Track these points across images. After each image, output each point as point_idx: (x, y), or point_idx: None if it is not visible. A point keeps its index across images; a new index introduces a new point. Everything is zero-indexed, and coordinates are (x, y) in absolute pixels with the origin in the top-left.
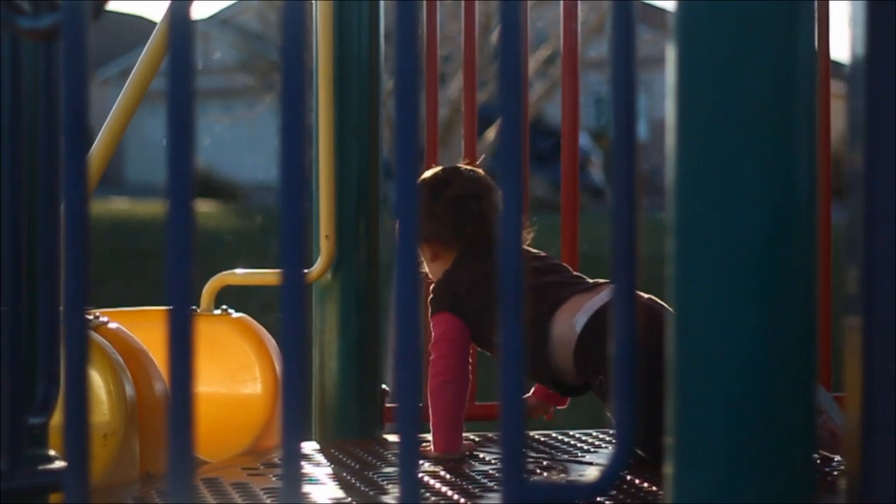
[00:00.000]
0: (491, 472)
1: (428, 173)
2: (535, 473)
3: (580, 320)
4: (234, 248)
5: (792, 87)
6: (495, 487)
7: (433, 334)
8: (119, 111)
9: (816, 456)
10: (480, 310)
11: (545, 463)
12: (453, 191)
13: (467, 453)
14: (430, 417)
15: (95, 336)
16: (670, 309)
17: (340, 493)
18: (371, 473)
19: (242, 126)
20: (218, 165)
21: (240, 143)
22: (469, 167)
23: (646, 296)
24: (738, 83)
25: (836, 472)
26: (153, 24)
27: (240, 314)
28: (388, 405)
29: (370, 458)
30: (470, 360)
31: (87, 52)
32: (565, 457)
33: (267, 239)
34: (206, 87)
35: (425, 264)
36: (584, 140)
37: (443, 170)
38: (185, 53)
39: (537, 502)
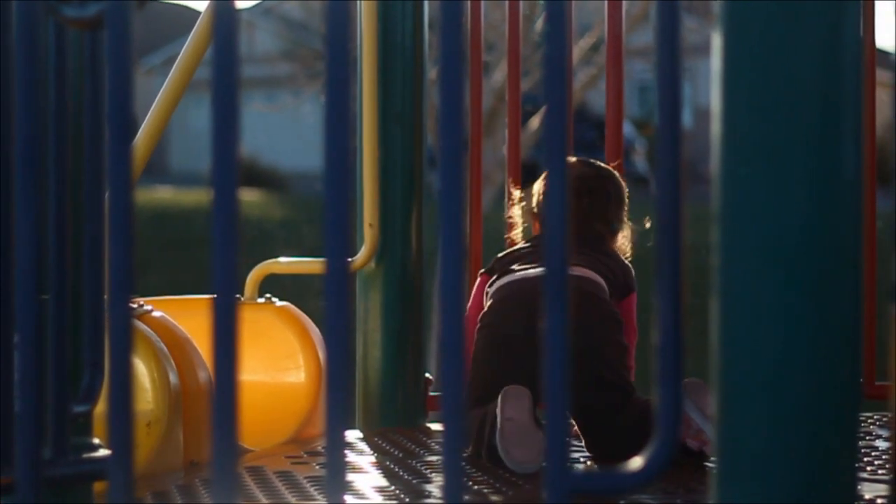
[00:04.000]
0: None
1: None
2: (579, 463)
3: None
4: (276, 236)
5: (838, 74)
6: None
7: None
8: (164, 100)
9: None
10: None
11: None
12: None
13: None
14: None
15: (139, 324)
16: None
17: (384, 482)
18: (414, 462)
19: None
20: (261, 154)
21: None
22: None
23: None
24: (784, 71)
25: None
26: (196, 13)
27: (283, 303)
28: (431, 394)
29: (413, 446)
30: None
31: (132, 41)
32: None
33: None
34: (250, 76)
35: (615, 248)
36: (627, 129)
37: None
38: (229, 43)
39: (581, 492)
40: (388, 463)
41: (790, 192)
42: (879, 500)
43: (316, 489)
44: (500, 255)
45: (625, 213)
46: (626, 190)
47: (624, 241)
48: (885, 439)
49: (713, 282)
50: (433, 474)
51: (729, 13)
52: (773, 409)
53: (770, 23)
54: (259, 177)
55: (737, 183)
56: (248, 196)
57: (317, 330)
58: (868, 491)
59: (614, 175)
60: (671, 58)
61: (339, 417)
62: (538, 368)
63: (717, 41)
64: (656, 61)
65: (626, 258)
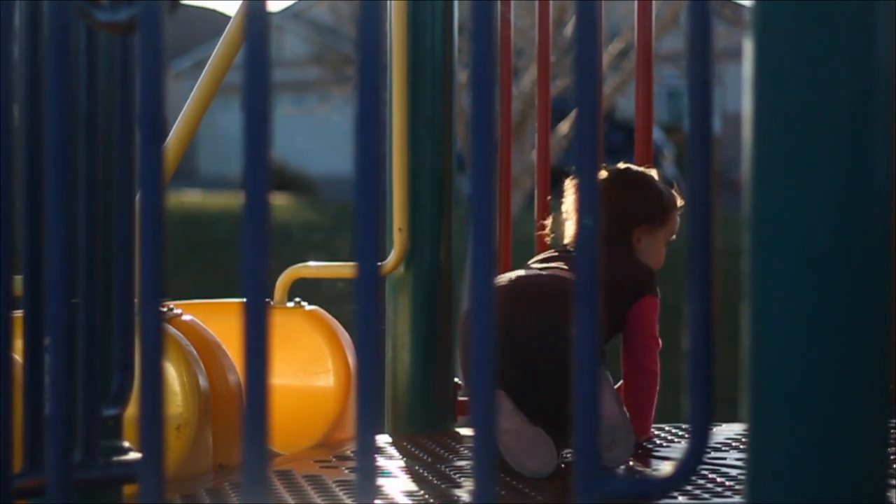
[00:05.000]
0: (563, 465)
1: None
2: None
3: None
4: (305, 240)
5: (869, 79)
6: (569, 481)
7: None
8: (194, 104)
9: None
10: None
11: None
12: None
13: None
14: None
15: (169, 328)
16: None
17: (413, 487)
18: (443, 467)
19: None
20: (289, 158)
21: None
22: None
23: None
24: (815, 76)
25: None
26: (226, 17)
27: (313, 307)
28: (460, 398)
29: (442, 451)
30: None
31: (164, 45)
32: (638, 451)
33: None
34: (279, 79)
35: (640, 249)
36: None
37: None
38: (261, 46)
39: (611, 496)
40: (417, 467)
41: (821, 198)
42: None
43: (345, 493)
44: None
45: (650, 212)
46: (655, 190)
47: (651, 242)
48: None
49: (744, 287)
50: (462, 479)
51: (760, 18)
52: (804, 414)
53: (801, 27)
54: (287, 181)
55: (768, 188)
56: (277, 200)
57: (346, 334)
58: None
59: (631, 175)
60: (702, 63)
61: (369, 422)
62: (534, 361)
63: (748, 46)
64: (687, 66)
65: (650, 260)
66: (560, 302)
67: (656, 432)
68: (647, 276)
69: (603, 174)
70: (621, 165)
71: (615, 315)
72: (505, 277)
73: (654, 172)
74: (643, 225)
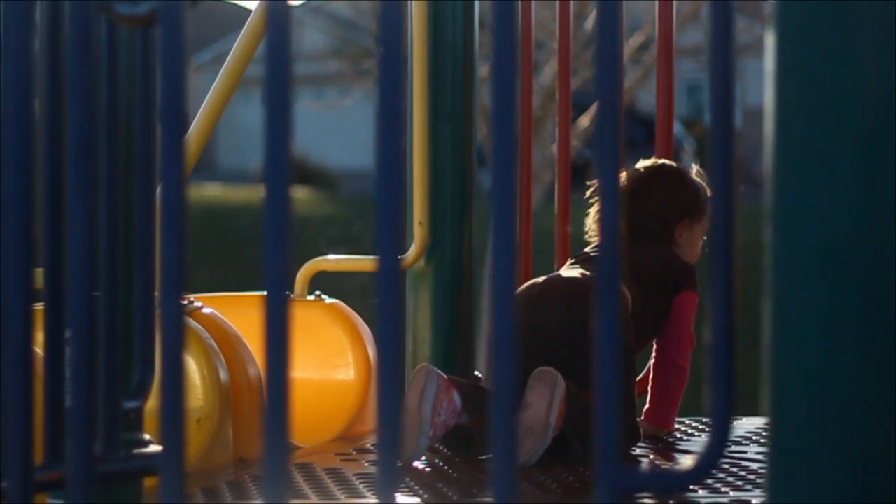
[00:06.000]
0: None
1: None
2: (631, 461)
3: None
4: (324, 234)
5: (891, 74)
6: (591, 476)
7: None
8: (215, 97)
9: None
10: None
11: (638, 451)
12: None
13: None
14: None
15: (190, 321)
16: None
17: (433, 480)
18: (463, 460)
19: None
20: (309, 152)
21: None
22: None
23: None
24: (837, 70)
25: None
26: (246, 10)
27: (333, 300)
28: None
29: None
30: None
31: (185, 38)
32: (659, 445)
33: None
34: (299, 73)
35: (681, 244)
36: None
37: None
38: (282, 40)
39: (634, 491)
40: (437, 461)
41: (842, 192)
42: None
43: (366, 487)
44: None
45: (689, 208)
46: (693, 185)
47: (689, 237)
48: None
49: (765, 281)
50: (482, 473)
51: (782, 12)
52: (825, 407)
53: (823, 22)
54: (307, 174)
55: (789, 182)
56: (297, 194)
57: (366, 327)
58: None
59: (668, 171)
60: (724, 57)
61: (390, 415)
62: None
63: (769, 41)
64: (709, 61)
65: (688, 255)
66: (585, 299)
67: (677, 426)
68: (688, 272)
69: (639, 171)
70: (656, 161)
71: (656, 312)
72: (540, 279)
73: (693, 168)
74: (685, 220)
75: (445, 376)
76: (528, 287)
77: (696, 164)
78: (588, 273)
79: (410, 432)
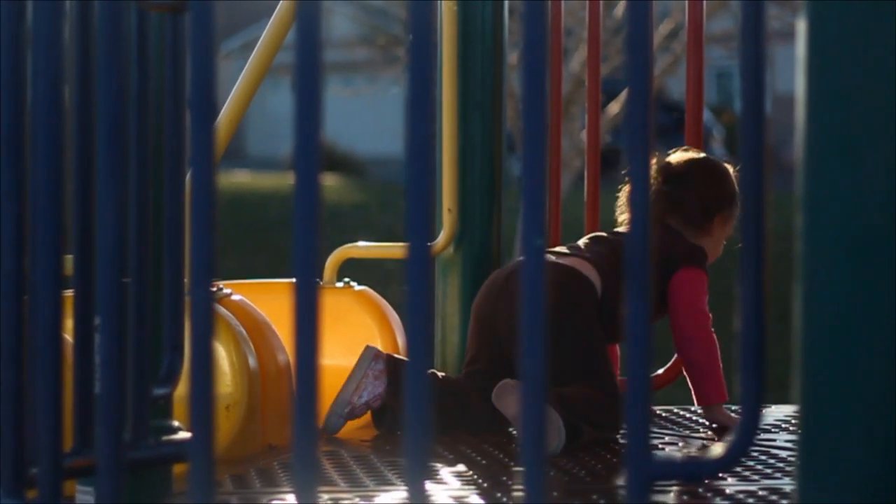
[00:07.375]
0: (616, 448)
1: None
2: (659, 449)
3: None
4: (353, 221)
5: None
6: (621, 465)
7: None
8: (244, 84)
9: None
10: None
11: (668, 439)
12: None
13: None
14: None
15: (219, 308)
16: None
17: (461, 468)
18: (492, 448)
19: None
20: (338, 139)
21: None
22: None
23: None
24: (868, 58)
25: None
26: None
27: (362, 287)
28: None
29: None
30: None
31: (214, 25)
32: (688, 433)
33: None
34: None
35: (716, 234)
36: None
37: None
38: (313, 27)
39: (663, 479)
40: (465, 448)
41: (873, 179)
42: None
43: (394, 473)
44: None
45: (729, 200)
46: (731, 178)
47: (722, 228)
48: None
49: (796, 268)
50: (511, 461)
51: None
52: (855, 395)
53: (855, 9)
54: (336, 161)
55: (820, 170)
56: (326, 181)
57: (395, 314)
58: None
59: (711, 163)
60: (755, 45)
61: (419, 402)
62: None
63: (801, 27)
64: (740, 49)
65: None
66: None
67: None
68: (686, 251)
69: (686, 158)
70: (699, 151)
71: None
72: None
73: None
74: (725, 211)
75: (386, 360)
76: (494, 276)
77: (725, 151)
78: (561, 262)
79: (330, 410)
